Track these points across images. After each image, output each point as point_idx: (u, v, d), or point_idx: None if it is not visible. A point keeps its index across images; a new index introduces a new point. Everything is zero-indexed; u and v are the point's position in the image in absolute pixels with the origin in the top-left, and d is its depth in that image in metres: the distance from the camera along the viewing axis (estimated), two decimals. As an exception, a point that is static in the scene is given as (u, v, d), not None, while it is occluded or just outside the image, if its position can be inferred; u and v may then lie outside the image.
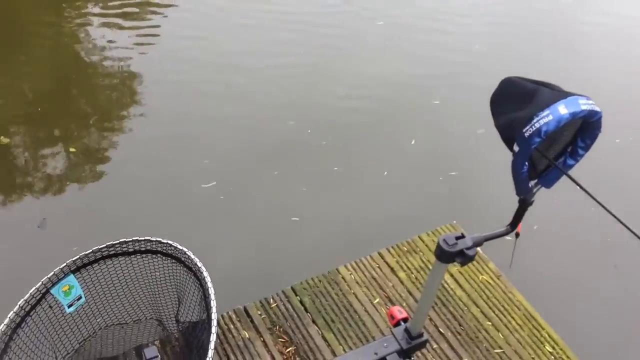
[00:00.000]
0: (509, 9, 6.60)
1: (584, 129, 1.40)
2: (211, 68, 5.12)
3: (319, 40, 5.63)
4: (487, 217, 3.61)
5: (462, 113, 4.79)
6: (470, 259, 1.53)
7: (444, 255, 1.54)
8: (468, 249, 1.52)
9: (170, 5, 6.00)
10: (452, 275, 2.97)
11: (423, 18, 6.19)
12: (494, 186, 3.96)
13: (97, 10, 5.80)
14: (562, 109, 1.28)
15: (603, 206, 1.23)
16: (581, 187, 1.30)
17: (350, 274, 2.93)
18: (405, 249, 3.09)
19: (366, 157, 4.34)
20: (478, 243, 1.55)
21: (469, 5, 6.54)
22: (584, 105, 1.29)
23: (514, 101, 1.38)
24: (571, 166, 1.45)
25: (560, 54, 5.77)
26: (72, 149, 4.20)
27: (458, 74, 5.30)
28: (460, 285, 2.92)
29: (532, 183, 1.47)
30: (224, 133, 4.42)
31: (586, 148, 1.42)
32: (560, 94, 1.32)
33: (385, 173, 4.20)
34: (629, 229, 1.18)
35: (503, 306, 2.85)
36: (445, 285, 2.92)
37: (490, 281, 2.95)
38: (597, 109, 1.32)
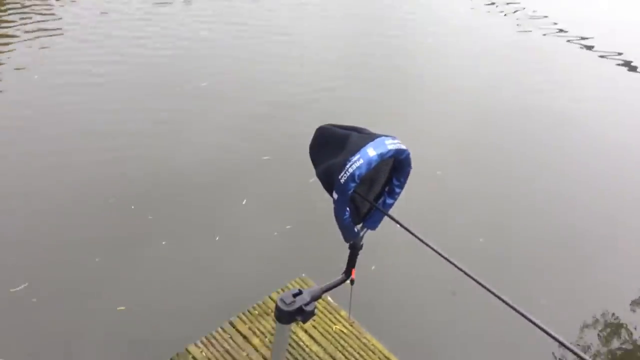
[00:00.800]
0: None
1: (396, 167, 1.45)
2: None
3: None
4: (335, 263, 3.63)
5: (292, 166, 4.87)
6: (311, 314, 1.47)
7: (283, 316, 1.47)
8: (306, 304, 1.47)
9: None
10: (306, 331, 2.90)
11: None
12: (335, 233, 4.02)
13: None
14: (371, 151, 1.32)
15: (424, 242, 1.25)
16: (401, 225, 1.32)
17: (202, 352, 2.73)
18: (257, 312, 2.97)
19: (196, 224, 4.18)
20: (316, 297, 1.50)
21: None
22: (390, 145, 1.34)
23: (329, 148, 1.41)
24: (391, 205, 1.48)
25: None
26: None
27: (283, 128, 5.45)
28: (315, 340, 2.86)
29: (357, 227, 1.48)
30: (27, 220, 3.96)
31: (401, 186, 1.47)
32: (368, 137, 1.35)
33: (217, 238, 4.07)
34: (447, 259, 1.20)
35: (359, 353, 2.83)
36: (300, 342, 2.84)
37: (344, 329, 2.93)
38: (404, 147, 1.37)
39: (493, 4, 9.87)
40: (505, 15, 9.20)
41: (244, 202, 4.43)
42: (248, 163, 4.90)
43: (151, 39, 6.95)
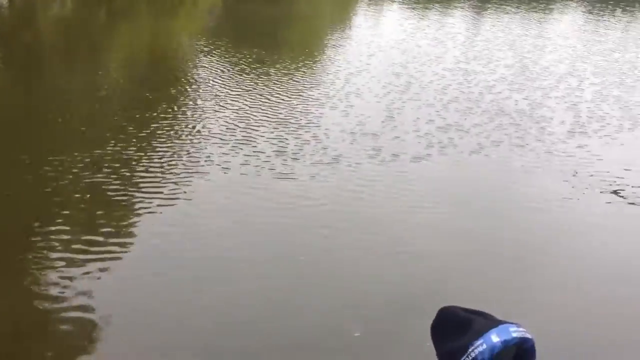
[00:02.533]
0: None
1: (519, 355, 1.42)
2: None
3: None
4: None
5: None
6: None
7: None
8: None
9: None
10: None
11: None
12: None
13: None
14: (495, 337, 1.34)
15: None
16: None
17: None
18: None
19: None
20: None
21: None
22: (515, 332, 1.36)
23: (453, 330, 1.43)
24: None
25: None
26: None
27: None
28: None
29: None
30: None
31: None
32: (492, 323, 1.39)
33: None
34: None
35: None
36: None
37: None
38: (529, 336, 1.38)
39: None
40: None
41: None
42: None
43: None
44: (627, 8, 23.55)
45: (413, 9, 20.26)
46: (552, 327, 4.36)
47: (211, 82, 9.78)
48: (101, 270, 4.70)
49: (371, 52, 12.87)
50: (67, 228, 5.22)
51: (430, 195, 6.56)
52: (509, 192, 6.88)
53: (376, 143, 7.58)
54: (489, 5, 21.28)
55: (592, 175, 7.16)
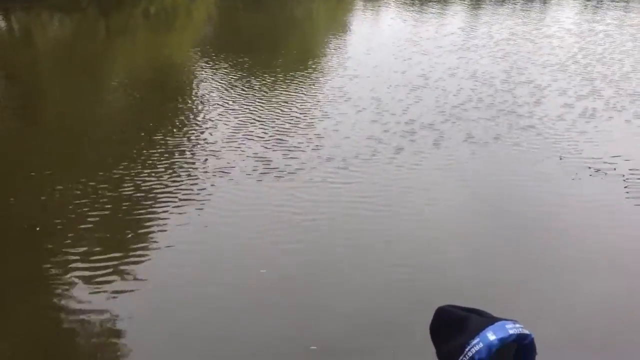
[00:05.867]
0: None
1: (520, 352, 1.40)
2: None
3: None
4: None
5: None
6: None
7: None
8: None
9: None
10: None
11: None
12: None
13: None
14: (491, 335, 1.31)
15: None
16: None
17: None
18: None
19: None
20: None
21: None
22: (512, 329, 1.34)
23: (449, 330, 1.41)
24: None
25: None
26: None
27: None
28: None
29: None
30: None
31: None
32: (488, 320, 1.37)
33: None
34: None
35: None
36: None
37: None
38: (527, 331, 1.36)
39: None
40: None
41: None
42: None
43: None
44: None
45: (411, 7, 20.26)
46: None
47: (214, 92, 9.82)
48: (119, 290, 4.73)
49: (371, 51, 12.90)
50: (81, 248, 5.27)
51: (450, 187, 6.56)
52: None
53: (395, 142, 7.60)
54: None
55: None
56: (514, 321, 1.35)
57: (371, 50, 13.05)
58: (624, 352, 4.32)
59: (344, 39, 15.08)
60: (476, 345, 1.30)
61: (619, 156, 7.34)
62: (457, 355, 1.32)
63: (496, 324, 1.34)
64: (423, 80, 10.54)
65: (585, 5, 21.15)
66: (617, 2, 21.69)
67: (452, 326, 1.40)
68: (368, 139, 7.74)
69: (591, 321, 4.59)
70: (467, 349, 1.31)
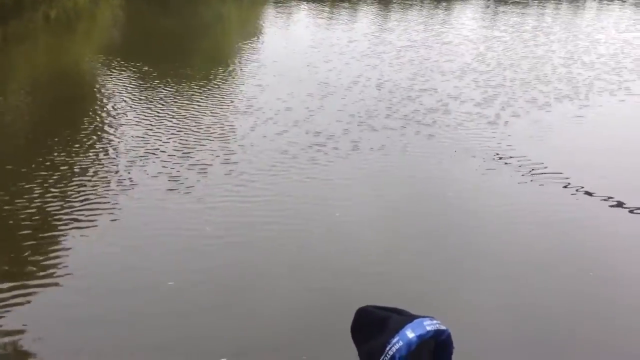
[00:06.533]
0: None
1: (438, 347, 1.45)
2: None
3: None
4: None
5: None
6: None
7: None
8: None
9: None
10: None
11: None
12: None
13: None
14: (410, 333, 1.37)
15: None
16: None
17: None
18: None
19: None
20: None
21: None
22: (429, 326, 1.39)
23: (370, 330, 1.46)
24: None
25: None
26: None
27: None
28: None
29: None
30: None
31: None
32: (407, 319, 1.42)
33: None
34: None
35: None
36: None
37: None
38: (443, 327, 1.42)
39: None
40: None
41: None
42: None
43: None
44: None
45: (322, 10, 20.58)
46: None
47: (119, 102, 9.54)
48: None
49: (282, 58, 13.01)
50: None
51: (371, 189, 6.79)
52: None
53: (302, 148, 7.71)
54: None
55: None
56: (431, 318, 1.41)
57: (282, 57, 13.17)
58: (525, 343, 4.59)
59: (255, 46, 15.08)
60: (396, 343, 1.35)
61: (516, 151, 7.96)
62: (378, 354, 1.36)
63: (414, 321, 1.39)
64: (332, 88, 10.78)
65: (485, 12, 22.40)
66: (514, 8, 23.13)
67: (373, 326, 1.43)
68: (277, 151, 7.80)
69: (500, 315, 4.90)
70: (387, 348, 1.35)
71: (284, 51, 14.05)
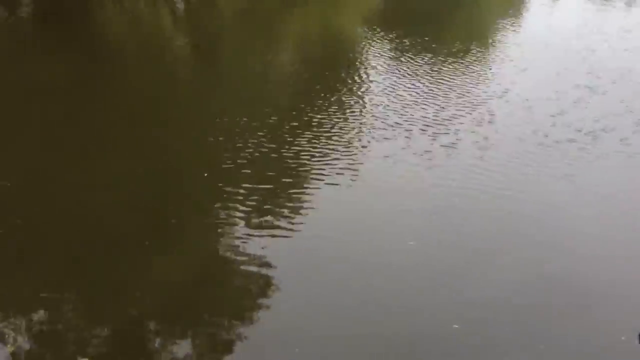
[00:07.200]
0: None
1: None
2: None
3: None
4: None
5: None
6: None
7: None
8: None
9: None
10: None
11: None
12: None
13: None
14: None
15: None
16: None
17: None
18: None
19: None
20: None
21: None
22: None
23: None
24: None
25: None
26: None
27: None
28: None
29: None
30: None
31: None
32: None
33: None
34: None
35: None
36: None
37: None
38: None
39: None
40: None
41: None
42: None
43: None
44: None
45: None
46: None
47: (381, 70, 10.03)
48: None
49: (549, 37, 12.32)
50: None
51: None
52: None
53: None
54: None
55: None
56: None
57: (545, 40, 12.27)
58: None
59: (516, 24, 14.32)
60: None
61: None
62: None
63: None
64: (597, 81, 9.71)
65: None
66: None
67: None
68: (533, 143, 7.40)
69: None
70: None
71: (547, 33, 13.04)
